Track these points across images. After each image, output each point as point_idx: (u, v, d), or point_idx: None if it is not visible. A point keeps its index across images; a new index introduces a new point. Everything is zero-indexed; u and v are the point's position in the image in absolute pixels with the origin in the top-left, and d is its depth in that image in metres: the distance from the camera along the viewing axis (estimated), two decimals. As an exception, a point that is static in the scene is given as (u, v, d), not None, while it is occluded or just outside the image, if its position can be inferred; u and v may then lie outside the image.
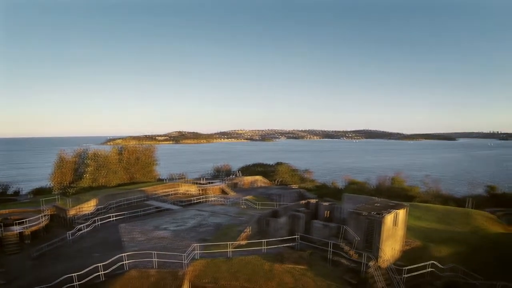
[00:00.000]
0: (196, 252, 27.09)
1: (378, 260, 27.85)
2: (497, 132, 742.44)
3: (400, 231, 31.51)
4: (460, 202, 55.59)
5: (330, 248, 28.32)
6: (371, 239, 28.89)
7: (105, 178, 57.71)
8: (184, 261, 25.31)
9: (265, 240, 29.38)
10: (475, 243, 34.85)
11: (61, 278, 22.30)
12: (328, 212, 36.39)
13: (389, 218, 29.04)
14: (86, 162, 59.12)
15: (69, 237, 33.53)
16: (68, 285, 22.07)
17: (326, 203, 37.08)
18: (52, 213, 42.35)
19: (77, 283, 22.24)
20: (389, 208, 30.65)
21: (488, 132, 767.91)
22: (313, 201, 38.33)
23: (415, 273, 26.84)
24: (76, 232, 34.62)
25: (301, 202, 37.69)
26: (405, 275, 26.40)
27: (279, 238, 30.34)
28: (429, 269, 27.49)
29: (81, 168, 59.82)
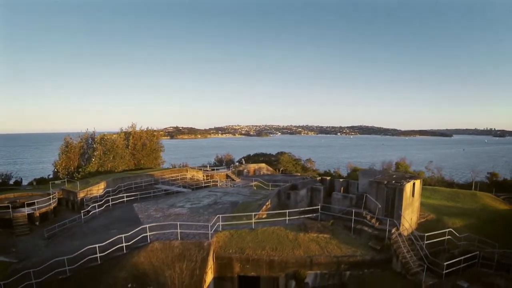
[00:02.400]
0: (219, 223, 26.68)
1: (400, 227, 27.74)
2: (493, 129, 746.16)
3: (416, 202, 31.50)
4: (464, 186, 56.36)
5: (353, 216, 28.16)
6: (392, 207, 28.83)
7: (112, 162, 56.91)
8: (209, 231, 24.90)
9: (287, 210, 29.12)
10: (486, 217, 35.39)
11: (82, 250, 21.59)
12: (343, 188, 36.18)
13: (408, 187, 29.00)
14: (94, 146, 58.21)
15: (82, 216, 32.87)
16: (90, 256, 21.42)
17: (341, 180, 36.89)
18: (60, 196, 41.51)
19: (99, 254, 21.65)
20: (406, 179, 30.53)
21: (484, 129, 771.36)
22: (327, 178, 38.13)
23: (435, 240, 26.77)
24: (88, 213, 33.91)
25: (316, 178, 37.39)
26: (426, 241, 26.32)
27: (301, 209, 30.33)
28: (447, 237, 27.51)
29: (88, 153, 58.94)
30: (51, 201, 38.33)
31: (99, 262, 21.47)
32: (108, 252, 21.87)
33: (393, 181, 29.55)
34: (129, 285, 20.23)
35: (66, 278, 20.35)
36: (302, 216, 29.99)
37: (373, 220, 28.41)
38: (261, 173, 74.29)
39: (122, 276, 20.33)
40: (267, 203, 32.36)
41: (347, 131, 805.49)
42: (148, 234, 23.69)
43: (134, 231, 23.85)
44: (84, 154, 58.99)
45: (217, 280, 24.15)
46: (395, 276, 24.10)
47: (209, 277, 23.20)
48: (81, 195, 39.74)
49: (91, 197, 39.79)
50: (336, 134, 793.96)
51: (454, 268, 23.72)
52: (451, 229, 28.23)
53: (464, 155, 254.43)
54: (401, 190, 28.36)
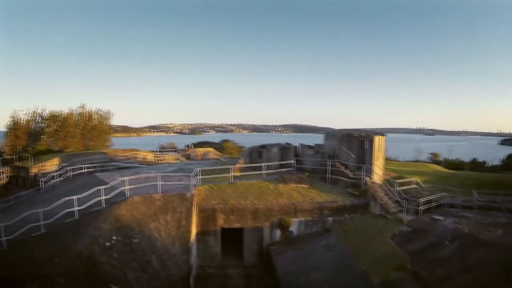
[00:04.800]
0: (198, 177, 25.71)
1: (372, 175, 28.75)
2: (424, 128, 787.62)
3: (382, 157, 32.75)
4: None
5: (328, 167, 28.70)
6: (363, 157, 29.79)
7: (63, 141, 53.05)
8: (192, 181, 23.95)
9: (264, 164, 28.89)
10: (440, 175, 38.83)
11: (60, 201, 19.48)
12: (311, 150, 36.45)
13: (377, 139, 30.08)
14: (44, 123, 53.72)
15: (42, 185, 30.02)
16: (68, 210, 19.41)
17: (306, 144, 37.06)
18: (10, 174, 37.95)
19: (77, 208, 19.70)
20: (372, 134, 31.51)
21: (415, 128, 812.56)
22: (293, 144, 38.20)
23: (404, 188, 28.09)
24: (48, 181, 30.91)
25: (283, 143, 37.11)
26: (397, 188, 27.44)
27: (277, 163, 30.51)
28: (414, 186, 29.00)
29: (37, 131, 54.21)
30: (2, 177, 34.85)
31: (76, 217, 19.62)
32: (86, 207, 20.02)
33: (363, 135, 30.52)
34: (114, 238, 18.80)
35: (42, 234, 18.19)
36: (279, 170, 30.16)
37: (347, 171, 29.04)
38: (209, 157, 73.51)
39: (106, 228, 18.72)
40: (240, 162, 31.86)
41: (281, 129, 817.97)
42: (126, 187, 22.13)
43: (111, 184, 22.23)
44: (33, 133, 54.11)
45: (200, 235, 23.27)
46: (375, 217, 24.76)
47: (194, 230, 22.37)
48: (33, 170, 36.43)
49: (44, 173, 36.59)
50: (269, 132, 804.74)
51: (427, 206, 24.89)
52: (416, 179, 29.88)
53: (398, 150, 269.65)
54: (371, 141, 29.49)
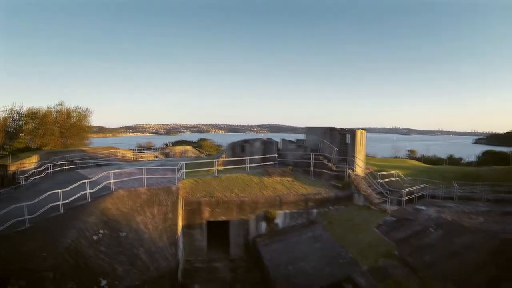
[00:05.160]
0: (182, 171, 25.61)
1: (355, 168, 29.26)
2: (399, 127, 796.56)
3: (363, 151, 33.39)
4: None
5: (312, 160, 29.05)
6: (345, 152, 30.32)
7: (42, 138, 51.66)
8: (177, 174, 23.83)
9: (248, 157, 29.00)
10: (420, 169, 40.28)
11: (45, 195, 19.08)
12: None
13: (358, 133, 30.63)
14: (22, 120, 52.15)
15: (22, 182, 29.28)
16: (53, 204, 19.01)
17: (287, 139, 37.34)
18: (-14, 173, 36.75)
19: (62, 202, 19.32)
20: (354, 129, 32.04)
21: (391, 127, 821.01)
22: (274, 140, 38.45)
23: (386, 180, 28.67)
24: (28, 178, 30.10)
25: (265, 138, 37.30)
26: (380, 180, 27.99)
27: (260, 156, 30.72)
28: (395, 178, 29.64)
29: (14, 129, 52.53)
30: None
31: (62, 211, 19.22)
32: (71, 201, 19.64)
33: (345, 128, 31.05)
34: (101, 231, 18.55)
35: (27, 229, 17.72)
36: (262, 163, 30.40)
37: (330, 164, 29.43)
38: (188, 155, 73.31)
39: (93, 221, 18.41)
40: (223, 156, 31.91)
41: (257, 129, 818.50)
42: (111, 181, 21.84)
43: (94, 178, 21.89)
44: (10, 130, 52.38)
45: (185, 228, 23.20)
46: (359, 208, 25.19)
47: (180, 223, 22.30)
48: (12, 168, 35.41)
49: (24, 170, 35.58)
50: (245, 132, 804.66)
51: (409, 197, 25.54)
52: (398, 172, 30.58)
53: (373, 150, 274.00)
54: (354, 135, 30.05)
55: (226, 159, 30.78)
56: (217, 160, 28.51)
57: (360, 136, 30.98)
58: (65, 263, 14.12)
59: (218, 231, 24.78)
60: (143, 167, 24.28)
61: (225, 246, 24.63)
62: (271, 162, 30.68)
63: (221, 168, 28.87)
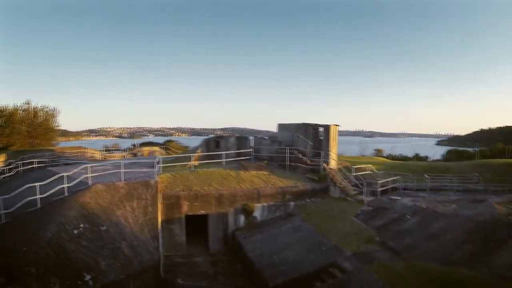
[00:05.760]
0: (160, 165, 25.35)
1: (330, 162, 29.91)
2: (363, 130, 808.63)
3: (336, 146, 34.09)
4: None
5: (287, 154, 29.49)
6: (319, 146, 30.97)
7: (8, 138, 49.44)
8: (155, 168, 23.57)
9: (224, 152, 29.11)
10: (391, 164, 42.18)
11: (21, 189, 18.43)
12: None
13: (332, 128, 31.31)
14: None
15: None
16: (30, 198, 18.36)
17: (260, 136, 37.67)
18: None
19: (40, 196, 18.71)
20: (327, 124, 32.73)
21: (354, 130, 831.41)
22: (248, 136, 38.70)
23: (359, 173, 29.49)
24: None
25: (238, 135, 37.56)
26: (354, 173, 28.75)
27: (236, 151, 30.94)
28: (368, 171, 30.51)
29: None
30: None
31: (39, 205, 18.63)
32: (48, 195, 19.08)
33: (319, 123, 31.75)
34: (81, 225, 18.09)
35: (4, 224, 16.97)
36: (237, 158, 30.62)
37: (305, 158, 29.98)
38: (155, 155, 72.80)
39: (72, 215, 17.87)
40: (198, 151, 31.81)
41: (220, 132, 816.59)
42: (89, 175, 21.38)
43: (71, 172, 21.41)
44: None
45: (164, 223, 22.96)
46: (336, 200, 25.84)
47: (160, 217, 22.10)
48: (-23, 167, 33.91)
49: (-10, 170, 34.05)
50: (208, 135, 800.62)
51: (384, 188, 26.39)
52: (371, 166, 31.45)
53: (340, 149, 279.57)
54: (328, 130, 30.74)
55: (201, 154, 30.74)
56: (193, 154, 28.36)
57: (333, 131, 31.70)
58: (48, 258, 13.44)
59: (196, 226, 24.66)
60: (121, 161, 23.95)
61: (203, 240, 24.56)
62: (246, 157, 30.91)
63: (196, 163, 28.78)
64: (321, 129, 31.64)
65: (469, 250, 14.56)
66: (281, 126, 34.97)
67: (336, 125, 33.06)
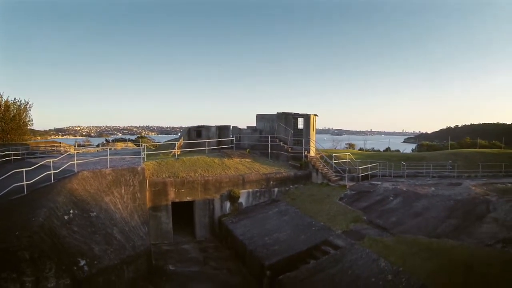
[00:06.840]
0: (144, 153, 25.26)
1: (310, 150, 30.56)
2: (331, 128, 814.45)
3: (314, 135, 34.70)
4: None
5: (269, 142, 29.95)
6: (299, 135, 31.57)
7: None
8: (141, 154, 23.49)
9: (207, 140, 29.26)
10: (367, 154, 43.67)
11: (6, 175, 18.08)
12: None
13: (312, 117, 31.92)
14: None
15: None
16: (16, 184, 18.01)
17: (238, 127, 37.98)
18: None
19: (26, 182, 18.34)
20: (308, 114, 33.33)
21: (323, 128, 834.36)
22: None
23: (339, 160, 30.26)
24: None
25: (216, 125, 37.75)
26: (334, 161, 29.50)
27: (218, 139, 31.20)
28: (347, 159, 31.36)
29: None
30: None
31: (25, 192, 18.28)
32: (34, 182, 18.73)
33: (300, 113, 32.33)
34: (71, 211, 17.89)
35: None
36: (220, 146, 30.83)
37: (286, 146, 30.56)
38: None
39: (62, 201, 17.59)
40: (180, 141, 31.82)
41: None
42: (75, 162, 21.09)
43: (58, 158, 21.13)
44: None
45: (151, 211, 22.84)
46: (318, 185, 26.51)
47: (148, 204, 22.10)
48: None
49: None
50: (177, 134, 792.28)
51: (364, 174, 27.31)
52: (349, 154, 32.38)
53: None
54: (308, 119, 31.31)
55: (184, 142, 30.84)
56: (176, 143, 28.42)
57: (312, 120, 32.33)
58: (42, 242, 13.03)
59: (182, 214, 24.74)
60: (103, 152, 23.69)
61: (189, 228, 24.65)
62: (228, 146, 31.16)
63: (179, 152, 28.86)
64: (301, 118, 32.24)
65: (452, 224, 15.54)
66: (260, 117, 35.41)
67: (315, 115, 33.74)
